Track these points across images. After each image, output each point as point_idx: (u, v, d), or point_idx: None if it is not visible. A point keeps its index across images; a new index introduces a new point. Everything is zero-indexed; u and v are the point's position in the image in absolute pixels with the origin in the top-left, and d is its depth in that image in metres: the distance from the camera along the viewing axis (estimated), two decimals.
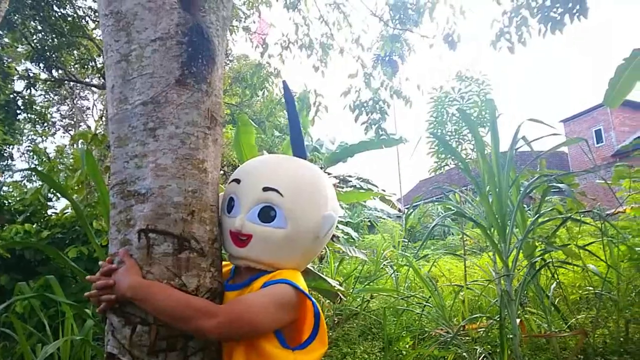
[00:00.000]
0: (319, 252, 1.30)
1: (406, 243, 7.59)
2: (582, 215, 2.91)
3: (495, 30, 4.81)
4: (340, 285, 3.86)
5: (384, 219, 11.20)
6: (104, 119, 17.18)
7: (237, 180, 1.21)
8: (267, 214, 1.14)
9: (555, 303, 2.97)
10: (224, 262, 1.29)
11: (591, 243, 3.11)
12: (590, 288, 3.25)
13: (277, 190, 1.14)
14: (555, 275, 2.89)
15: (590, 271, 2.84)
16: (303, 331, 1.11)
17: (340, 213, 1.36)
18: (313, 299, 1.10)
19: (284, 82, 1.48)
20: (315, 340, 1.10)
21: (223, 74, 1.35)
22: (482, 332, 2.95)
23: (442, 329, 3.10)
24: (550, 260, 2.80)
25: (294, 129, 1.35)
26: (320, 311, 1.11)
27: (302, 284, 1.12)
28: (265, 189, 1.15)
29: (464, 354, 2.72)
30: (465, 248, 4.32)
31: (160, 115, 1.13)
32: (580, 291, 3.36)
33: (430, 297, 3.12)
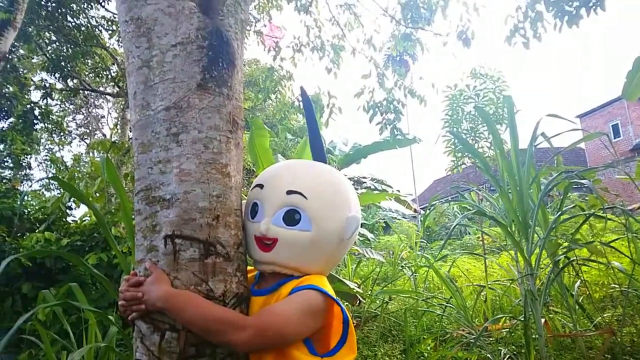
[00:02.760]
0: (343, 255, 1.29)
1: (424, 244, 7.52)
2: (604, 212, 2.84)
3: (509, 26, 4.76)
4: (359, 287, 3.84)
5: (399, 219, 11.13)
6: (118, 126, 17.39)
7: (260, 186, 1.21)
8: (291, 217, 1.14)
9: (580, 302, 2.91)
10: (248, 267, 1.28)
11: (615, 239, 3.04)
12: (616, 285, 3.18)
13: (301, 194, 1.14)
14: (580, 274, 2.83)
15: (615, 268, 2.77)
16: (330, 337, 1.09)
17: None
18: (342, 304, 1.08)
19: (301, 87, 1.49)
20: (345, 347, 1.09)
21: (242, 78, 1.34)
22: (505, 333, 2.90)
23: (464, 330, 3.06)
24: (575, 258, 2.75)
25: (313, 134, 1.36)
26: (350, 317, 1.10)
27: (329, 289, 1.11)
28: (289, 192, 1.15)
29: (488, 355, 2.68)
30: (484, 247, 4.26)
31: (182, 120, 1.13)
32: (605, 289, 3.29)
33: (451, 297, 3.08)
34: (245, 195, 1.28)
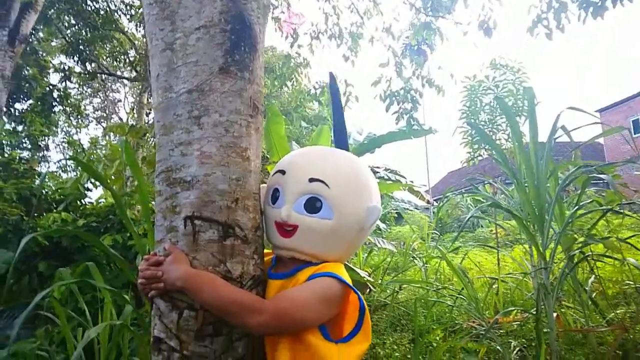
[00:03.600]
0: (362, 244, 1.30)
1: (436, 235, 7.50)
2: (622, 208, 2.81)
3: (532, 16, 4.67)
4: (369, 276, 3.85)
5: (412, 210, 11.09)
6: (135, 111, 17.54)
7: (282, 172, 1.21)
8: (313, 205, 1.14)
9: (593, 298, 2.89)
10: (265, 251, 1.30)
11: (632, 236, 3.00)
12: (630, 282, 3.15)
13: (323, 182, 1.14)
14: (594, 269, 2.81)
15: (630, 265, 2.74)
16: (345, 324, 1.10)
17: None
18: (358, 292, 1.09)
19: (330, 73, 1.49)
20: (359, 334, 1.09)
21: (263, 62, 1.35)
22: (516, 326, 2.90)
23: (474, 322, 3.06)
24: (590, 253, 2.72)
25: (338, 121, 1.37)
26: (366, 305, 1.10)
27: (346, 277, 1.12)
28: (312, 180, 1.15)
29: (498, 347, 2.68)
30: (497, 240, 4.24)
31: (204, 104, 1.14)
32: (619, 286, 3.26)
33: (462, 289, 3.08)
34: (265, 181, 1.30)
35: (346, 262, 3.34)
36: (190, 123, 1.14)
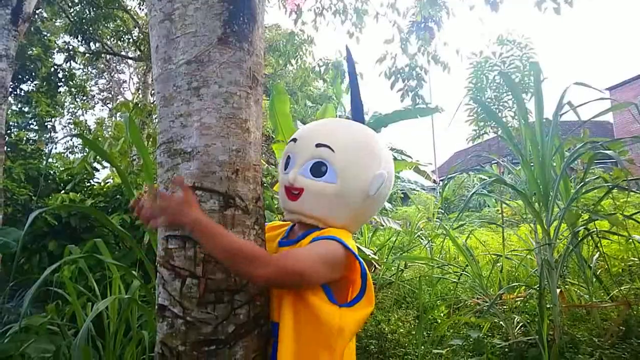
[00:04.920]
0: (372, 214, 1.33)
1: (442, 214, 7.50)
2: (629, 184, 2.78)
3: None
4: (374, 254, 3.87)
5: (418, 190, 11.08)
6: (140, 91, 17.51)
7: (294, 140, 1.27)
8: (318, 169, 1.18)
9: (598, 274, 2.89)
10: (278, 223, 1.36)
11: (637, 212, 2.99)
12: (635, 259, 3.15)
13: (329, 147, 1.18)
14: (599, 246, 2.80)
15: (635, 242, 2.73)
16: (350, 291, 1.12)
17: (394, 177, 1.38)
18: (361, 259, 1.10)
19: (346, 46, 1.53)
20: (363, 299, 1.12)
21: (263, 34, 1.33)
22: (519, 302, 2.92)
23: (478, 298, 3.08)
24: (595, 229, 2.71)
25: (355, 94, 1.40)
26: (367, 271, 1.12)
27: (351, 244, 1.13)
28: (318, 145, 1.19)
29: (501, 322, 2.70)
30: (503, 219, 4.23)
31: (203, 75, 1.14)
32: (623, 263, 3.25)
33: (467, 266, 3.09)
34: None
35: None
36: (190, 94, 1.13)
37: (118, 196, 3.85)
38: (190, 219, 1.01)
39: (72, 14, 10.66)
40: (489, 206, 10.67)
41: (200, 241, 1.05)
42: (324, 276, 1.08)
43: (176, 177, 1.12)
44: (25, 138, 9.42)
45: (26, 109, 11.04)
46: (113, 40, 13.48)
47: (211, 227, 1.03)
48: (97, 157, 4.47)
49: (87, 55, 12.90)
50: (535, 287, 2.52)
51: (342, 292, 1.12)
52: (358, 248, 3.12)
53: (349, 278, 1.12)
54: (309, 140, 1.23)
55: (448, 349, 2.61)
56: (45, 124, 11.86)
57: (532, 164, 2.60)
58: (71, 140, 19.65)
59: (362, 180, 1.19)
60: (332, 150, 1.17)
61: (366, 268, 1.12)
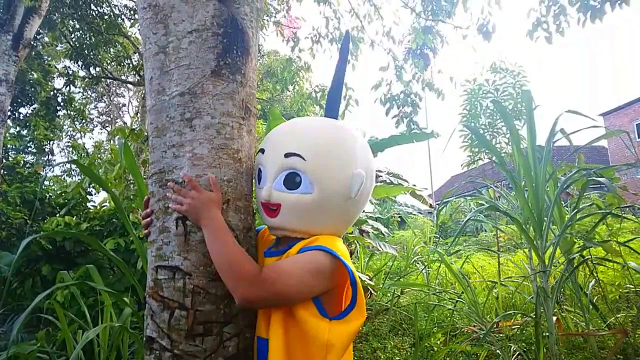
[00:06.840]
0: (357, 214, 1.23)
1: (437, 239, 7.48)
2: (622, 211, 2.79)
3: (532, 19, 4.68)
4: (370, 280, 3.85)
5: (415, 214, 11.07)
6: (139, 115, 17.64)
7: (262, 150, 1.19)
8: (292, 181, 1.11)
9: (594, 302, 2.87)
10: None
11: (632, 239, 2.99)
12: (631, 286, 3.13)
13: (299, 155, 1.10)
14: (594, 273, 2.80)
15: (631, 269, 2.72)
16: (342, 300, 1.08)
17: (375, 169, 1.32)
18: (349, 265, 1.05)
19: (347, 31, 1.46)
20: (354, 310, 1.07)
21: (256, 66, 1.36)
22: (516, 330, 2.89)
23: (475, 326, 3.05)
24: (589, 257, 2.71)
25: (336, 83, 1.30)
26: (357, 279, 1.07)
27: (340, 250, 1.07)
28: (288, 155, 1.11)
29: (498, 351, 2.67)
30: (499, 244, 4.23)
31: (196, 106, 1.15)
32: (620, 290, 3.24)
33: (462, 292, 3.07)
34: None
35: None
36: (183, 125, 1.15)
37: (114, 220, 3.83)
38: (209, 215, 1.05)
39: (73, 40, 10.82)
40: (485, 230, 10.66)
41: (207, 239, 1.07)
42: (312, 291, 1.04)
43: (211, 177, 1.13)
44: (22, 161, 9.44)
45: (24, 132, 11.09)
46: (113, 65, 13.65)
47: (223, 233, 1.06)
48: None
49: (87, 79, 13.03)
50: (532, 314, 2.50)
51: (334, 302, 1.08)
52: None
53: (341, 286, 1.08)
54: (277, 150, 1.14)
55: None
56: (43, 147, 11.91)
57: (526, 190, 2.61)
58: (67, 161, 19.67)
59: (341, 184, 1.11)
60: (304, 159, 1.10)
61: (356, 276, 1.06)
